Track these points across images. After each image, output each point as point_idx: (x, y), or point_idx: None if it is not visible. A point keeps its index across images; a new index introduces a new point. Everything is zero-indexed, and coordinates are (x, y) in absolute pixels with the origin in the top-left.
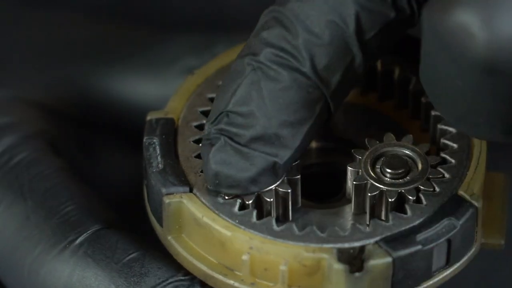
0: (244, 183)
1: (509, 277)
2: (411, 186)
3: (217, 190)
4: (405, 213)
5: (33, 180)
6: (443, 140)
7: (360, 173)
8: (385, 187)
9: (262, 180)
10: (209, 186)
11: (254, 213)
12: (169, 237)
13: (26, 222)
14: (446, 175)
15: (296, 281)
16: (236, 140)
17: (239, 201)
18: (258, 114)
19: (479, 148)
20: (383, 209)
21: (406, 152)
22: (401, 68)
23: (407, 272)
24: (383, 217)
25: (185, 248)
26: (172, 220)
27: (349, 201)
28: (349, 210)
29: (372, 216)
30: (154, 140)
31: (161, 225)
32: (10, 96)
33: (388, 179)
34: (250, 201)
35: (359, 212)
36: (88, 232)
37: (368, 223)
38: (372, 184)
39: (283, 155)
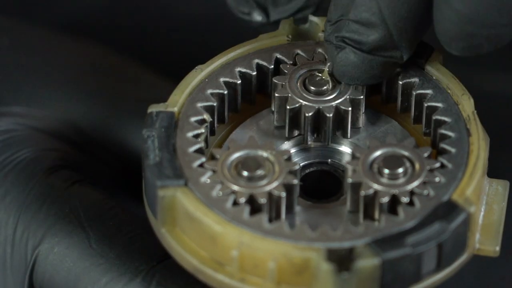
0: (367, 80)
1: (504, 281)
2: (405, 188)
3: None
4: (398, 215)
5: (87, 209)
6: (442, 145)
7: (357, 171)
8: (380, 187)
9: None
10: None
11: (247, 209)
12: (163, 230)
13: (89, 251)
14: (442, 180)
15: (285, 279)
16: (359, 48)
17: (232, 197)
18: (376, 20)
19: (477, 154)
20: (377, 209)
21: (406, 154)
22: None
23: (395, 274)
24: (376, 218)
25: (178, 241)
26: (166, 213)
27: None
28: (345, 209)
29: (366, 216)
30: (153, 133)
31: (156, 217)
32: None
33: (384, 180)
34: (244, 199)
35: (354, 211)
36: (156, 260)
37: (361, 222)
38: (367, 182)
39: (405, 54)
